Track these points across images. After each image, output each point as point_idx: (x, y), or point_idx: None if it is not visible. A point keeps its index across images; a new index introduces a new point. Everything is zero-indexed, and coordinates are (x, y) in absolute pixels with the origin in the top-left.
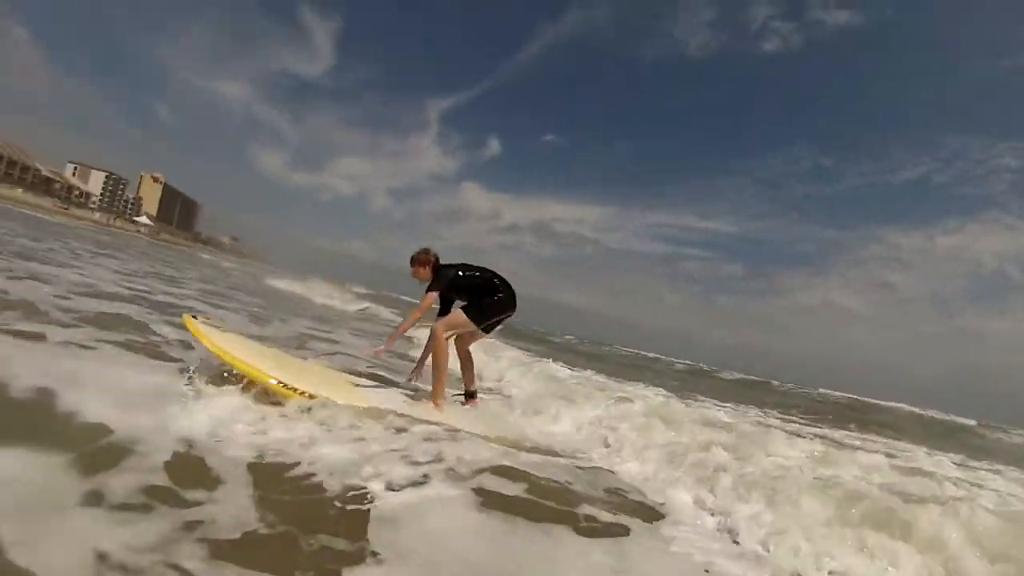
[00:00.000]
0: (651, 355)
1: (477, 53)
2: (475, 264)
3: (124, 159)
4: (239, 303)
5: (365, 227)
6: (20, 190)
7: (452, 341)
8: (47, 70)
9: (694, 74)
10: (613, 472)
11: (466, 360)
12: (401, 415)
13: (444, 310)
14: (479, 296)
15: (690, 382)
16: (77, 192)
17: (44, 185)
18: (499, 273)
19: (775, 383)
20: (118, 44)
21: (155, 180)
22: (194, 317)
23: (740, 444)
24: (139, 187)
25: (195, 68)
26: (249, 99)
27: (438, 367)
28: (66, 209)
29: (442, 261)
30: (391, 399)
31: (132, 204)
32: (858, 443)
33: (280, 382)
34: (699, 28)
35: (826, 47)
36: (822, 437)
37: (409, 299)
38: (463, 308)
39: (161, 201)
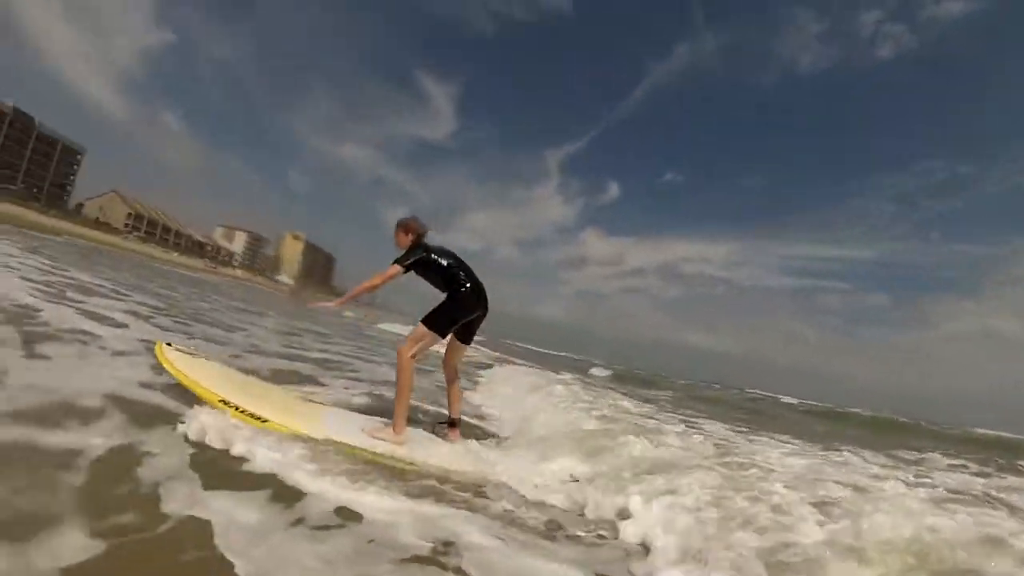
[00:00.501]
0: (784, 399)
1: (590, 99)
2: (457, 255)
3: (265, 222)
4: (336, 344)
5: (490, 277)
6: (176, 253)
7: (443, 359)
8: (194, 146)
9: (809, 92)
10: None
11: (451, 382)
12: (348, 444)
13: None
14: (445, 288)
15: (821, 426)
16: (224, 252)
17: (197, 248)
18: (469, 268)
19: (923, 423)
20: (256, 119)
21: (295, 238)
22: (168, 344)
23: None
24: (280, 246)
25: (324, 136)
26: (375, 162)
27: (399, 391)
28: (214, 268)
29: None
30: (350, 429)
31: (272, 262)
32: None
33: (223, 400)
34: (808, 43)
35: (943, 43)
36: None
37: (515, 343)
38: (425, 316)
39: (302, 258)
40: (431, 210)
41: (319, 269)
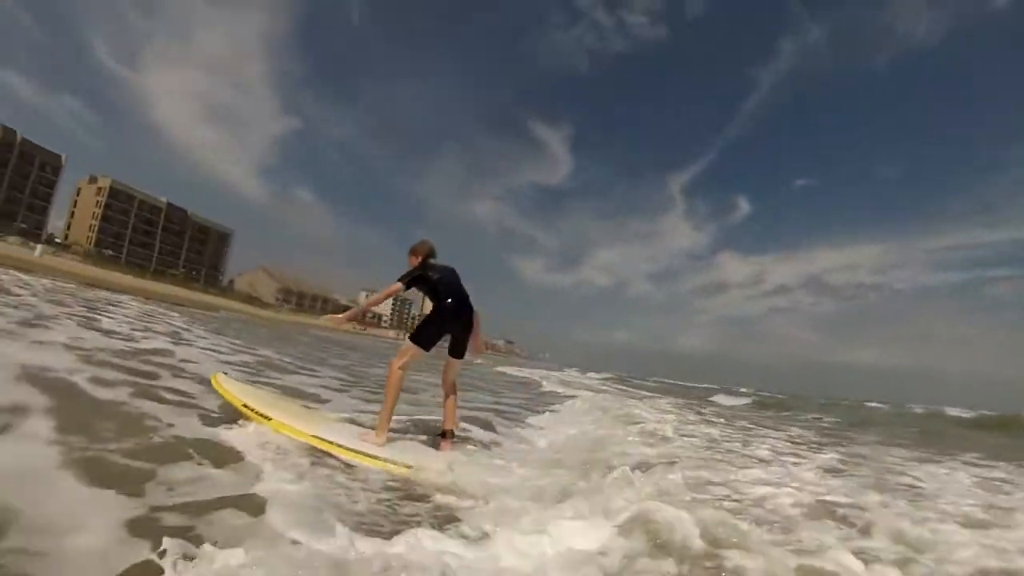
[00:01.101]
0: (951, 411)
1: (703, 117)
2: (453, 275)
3: None
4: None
5: (625, 315)
6: (322, 319)
7: (442, 376)
8: (328, 218)
9: (932, 63)
10: None
11: (448, 396)
12: (332, 442)
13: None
14: (433, 302)
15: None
16: (371, 315)
17: (343, 311)
18: (458, 285)
19: None
20: (384, 187)
21: None
22: (224, 373)
23: None
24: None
25: (450, 196)
26: (501, 214)
27: (385, 399)
28: (364, 329)
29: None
30: (342, 432)
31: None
32: None
33: (246, 406)
34: (918, 10)
35: None
36: None
37: (664, 380)
38: (411, 333)
39: None
40: (559, 252)
41: None
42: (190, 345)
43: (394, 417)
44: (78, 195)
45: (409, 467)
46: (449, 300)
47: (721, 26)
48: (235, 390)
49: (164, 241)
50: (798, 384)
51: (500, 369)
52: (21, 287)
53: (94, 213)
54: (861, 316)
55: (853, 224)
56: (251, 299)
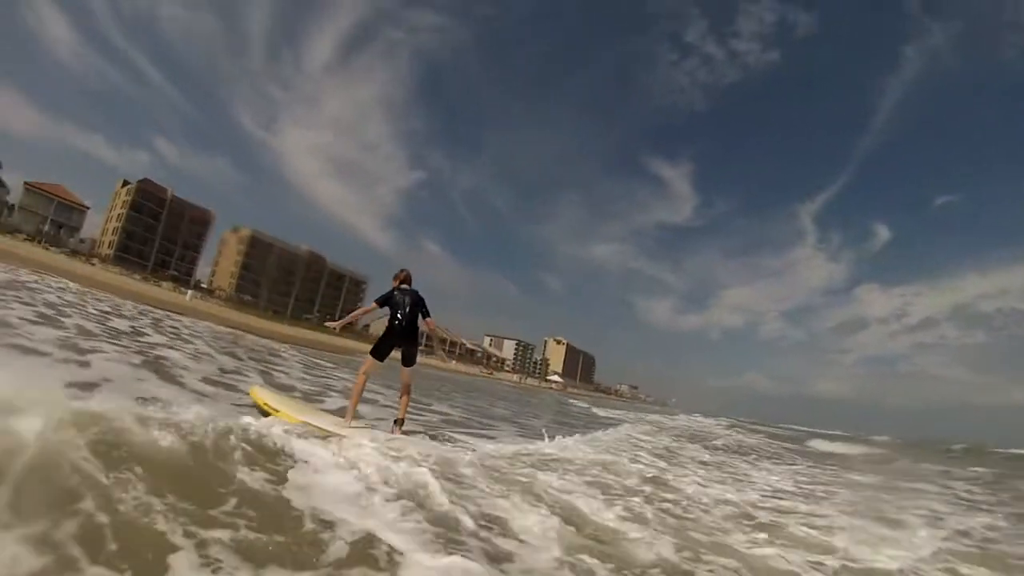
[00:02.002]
0: None
1: (829, 139)
2: (414, 299)
3: (527, 327)
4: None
5: (757, 356)
6: (454, 362)
7: (400, 377)
8: (454, 265)
9: None
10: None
11: (402, 395)
12: (315, 426)
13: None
14: (389, 321)
15: None
16: (495, 359)
17: (469, 355)
18: (410, 309)
19: None
20: (507, 235)
21: (558, 342)
22: (260, 386)
23: None
24: (544, 349)
25: (573, 241)
26: (624, 256)
27: (352, 395)
28: (490, 374)
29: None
30: (325, 420)
31: (539, 365)
32: None
33: (266, 404)
34: None
35: None
36: None
37: (794, 426)
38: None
39: (565, 359)
40: (686, 293)
41: (583, 369)
42: (374, 404)
43: (389, 411)
44: (222, 244)
45: (335, 433)
46: (398, 320)
47: (835, 41)
48: (264, 397)
49: (301, 287)
50: (949, 428)
51: (595, 411)
52: (194, 335)
53: (236, 261)
54: (1019, 347)
55: (1002, 243)
56: None
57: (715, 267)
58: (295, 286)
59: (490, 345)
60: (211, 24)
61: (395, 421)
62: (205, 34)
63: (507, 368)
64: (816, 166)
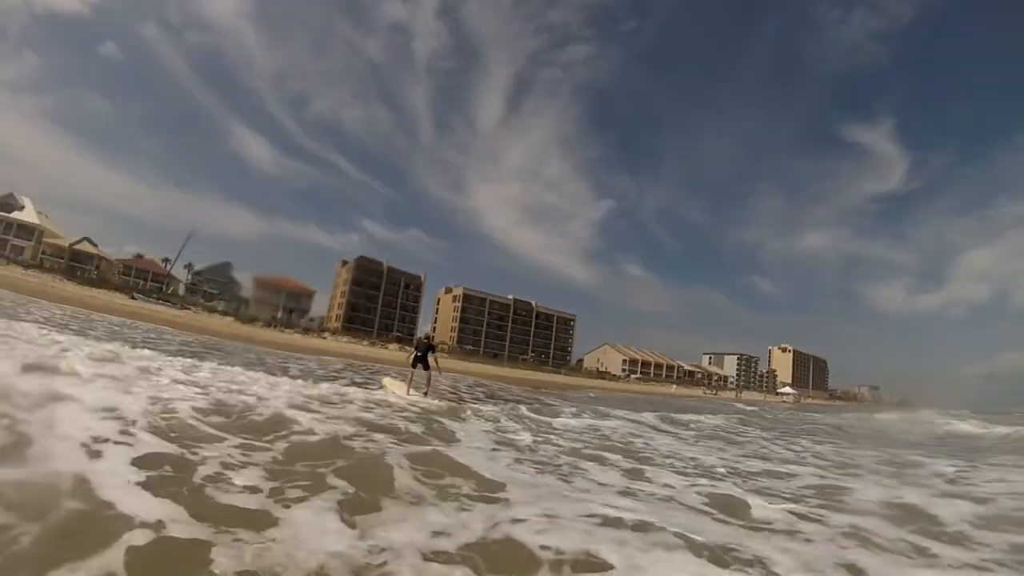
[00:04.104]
0: None
1: None
2: (423, 343)
3: (748, 339)
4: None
5: (1014, 329)
6: (675, 387)
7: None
8: (659, 286)
9: None
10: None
11: (428, 378)
12: (400, 396)
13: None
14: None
15: None
16: (716, 377)
17: (688, 377)
18: (421, 349)
19: None
20: (707, 245)
21: (783, 350)
22: (391, 376)
23: None
24: (769, 360)
25: (778, 236)
26: (839, 240)
27: (408, 379)
28: (715, 394)
29: None
30: (403, 393)
31: (766, 377)
32: None
33: (386, 387)
34: None
35: None
36: None
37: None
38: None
39: (793, 367)
40: (919, 269)
41: (815, 375)
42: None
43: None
44: (438, 304)
45: (401, 396)
46: (416, 356)
47: None
48: (389, 384)
49: (514, 332)
50: None
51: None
52: (456, 382)
53: (453, 316)
54: None
55: None
56: (601, 374)
57: (945, 231)
58: (507, 331)
59: (710, 363)
60: (384, 113)
61: (424, 393)
62: (381, 122)
63: (731, 386)
64: None
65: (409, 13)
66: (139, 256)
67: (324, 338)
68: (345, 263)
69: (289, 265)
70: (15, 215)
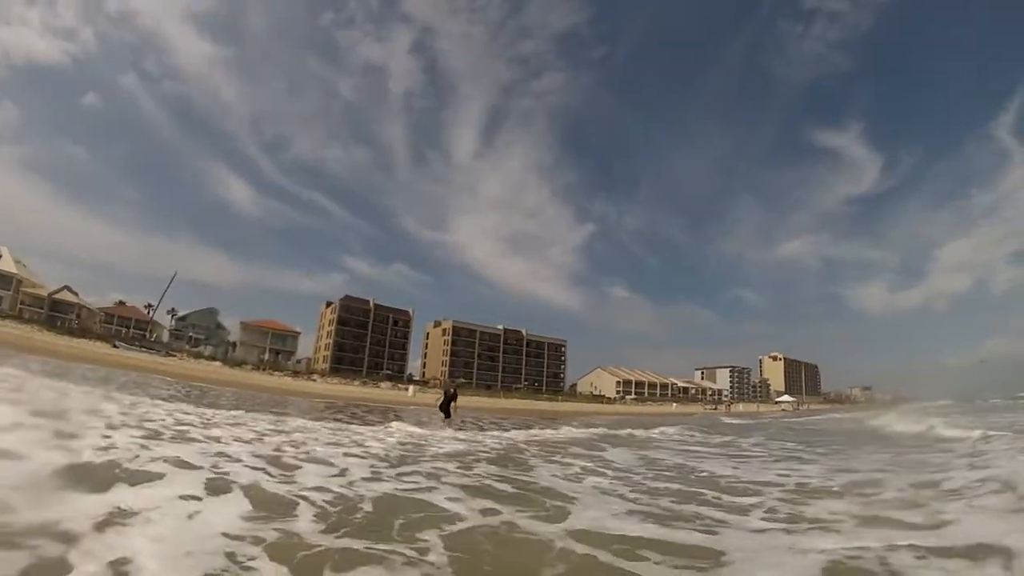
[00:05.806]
0: None
1: (1001, 30)
2: (448, 390)
3: (738, 351)
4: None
5: (994, 317)
6: (674, 405)
7: (451, 411)
8: (646, 306)
9: None
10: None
11: (448, 418)
12: (438, 428)
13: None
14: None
15: None
16: (710, 391)
17: (682, 393)
18: (446, 393)
19: None
20: (693, 261)
21: (774, 359)
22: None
23: None
24: (761, 370)
25: (756, 245)
26: (817, 245)
27: (442, 418)
28: (715, 409)
29: None
30: (440, 426)
31: (759, 387)
32: None
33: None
34: None
35: None
36: None
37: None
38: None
39: (785, 376)
40: (899, 267)
41: (807, 380)
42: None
43: (458, 428)
44: (427, 339)
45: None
46: (442, 401)
47: None
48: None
49: (506, 361)
50: None
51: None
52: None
53: (443, 350)
54: None
55: None
56: (595, 397)
57: (922, 226)
58: (499, 361)
59: (703, 378)
60: (361, 152)
61: (446, 423)
62: (359, 160)
63: (725, 398)
64: (994, 68)
65: (384, 52)
66: (121, 303)
67: (314, 380)
68: (330, 304)
69: (270, 309)
70: None
